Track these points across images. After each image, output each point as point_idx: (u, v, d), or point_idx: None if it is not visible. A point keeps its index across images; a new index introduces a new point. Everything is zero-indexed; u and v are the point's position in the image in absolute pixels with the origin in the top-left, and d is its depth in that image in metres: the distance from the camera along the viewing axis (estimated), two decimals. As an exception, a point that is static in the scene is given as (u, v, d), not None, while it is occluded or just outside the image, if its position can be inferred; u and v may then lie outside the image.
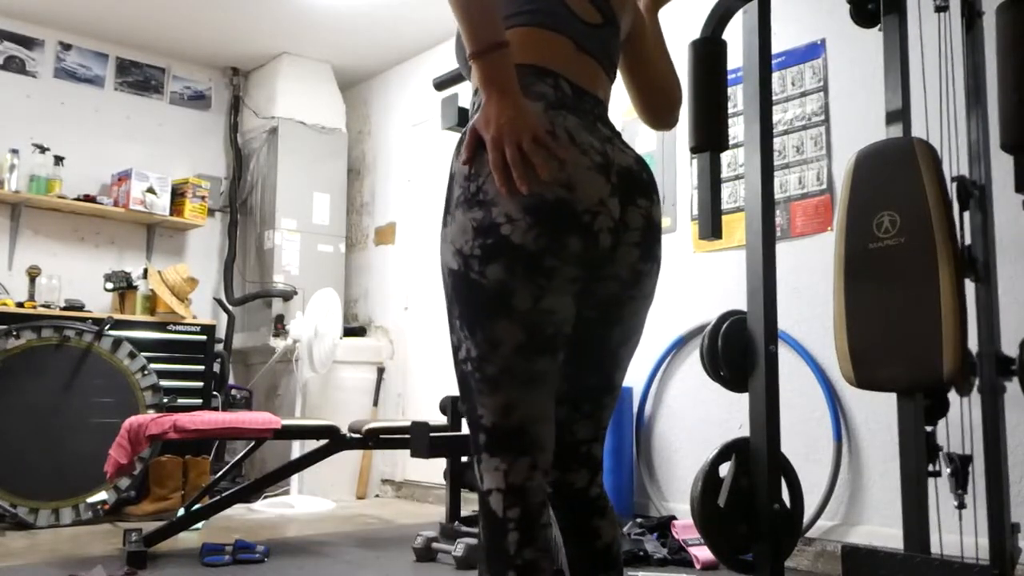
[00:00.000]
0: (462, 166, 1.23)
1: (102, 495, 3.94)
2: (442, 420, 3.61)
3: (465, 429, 3.62)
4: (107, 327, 4.13)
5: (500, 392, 1.22)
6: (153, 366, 4.22)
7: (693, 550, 3.09)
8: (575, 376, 1.38)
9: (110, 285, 4.64)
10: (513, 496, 1.21)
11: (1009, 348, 2.12)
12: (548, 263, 1.18)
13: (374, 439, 3.54)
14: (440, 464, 3.71)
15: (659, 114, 1.56)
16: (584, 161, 1.22)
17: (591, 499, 1.40)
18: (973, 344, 2.06)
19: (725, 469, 2.09)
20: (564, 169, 1.20)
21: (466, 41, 1.20)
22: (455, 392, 3.64)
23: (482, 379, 1.22)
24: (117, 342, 4.12)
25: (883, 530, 2.93)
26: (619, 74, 1.50)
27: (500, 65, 1.18)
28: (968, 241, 2.10)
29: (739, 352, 2.12)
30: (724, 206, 3.56)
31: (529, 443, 1.23)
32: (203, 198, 5.21)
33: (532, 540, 1.20)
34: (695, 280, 3.68)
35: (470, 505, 3.63)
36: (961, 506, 2.03)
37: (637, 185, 1.30)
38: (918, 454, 2.07)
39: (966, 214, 2.11)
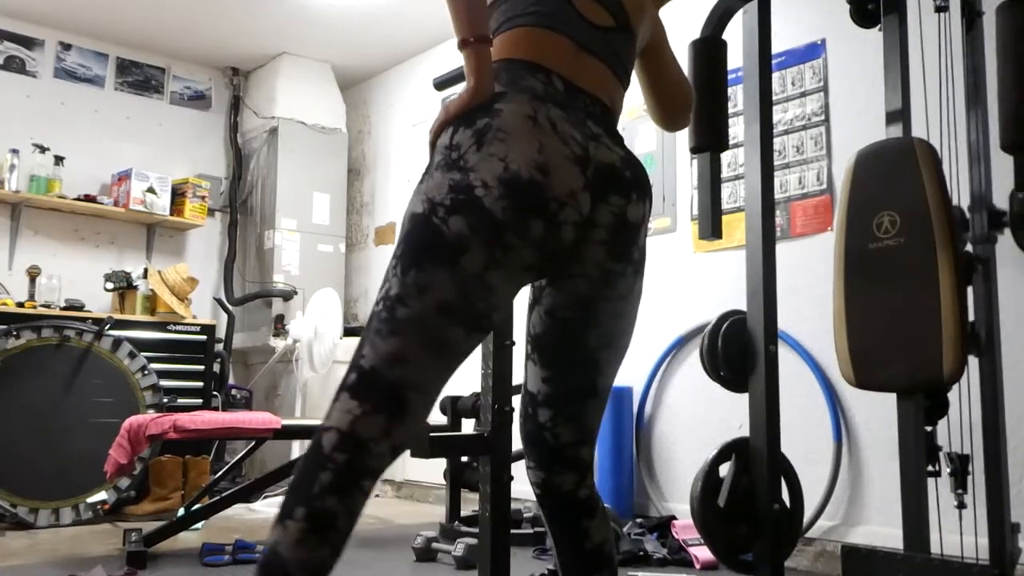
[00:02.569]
0: (444, 139, 1.25)
1: (102, 495, 3.94)
2: (442, 420, 3.61)
3: (466, 429, 3.62)
4: (107, 327, 4.13)
5: (396, 339, 1.15)
6: (153, 366, 4.22)
7: (693, 550, 3.09)
8: (556, 379, 1.38)
9: (110, 285, 4.64)
10: (349, 443, 1.12)
11: (1007, 343, 2.12)
12: (508, 239, 1.17)
13: (374, 439, 3.54)
14: (440, 464, 3.71)
15: (675, 119, 1.60)
16: (562, 150, 1.22)
17: (580, 500, 1.40)
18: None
19: (725, 469, 2.09)
20: (542, 152, 1.20)
21: (455, 31, 1.24)
22: (455, 392, 3.64)
23: (388, 319, 1.16)
24: (117, 342, 4.12)
25: (883, 530, 2.93)
26: (635, 79, 1.51)
27: (479, 56, 1.23)
28: (972, 317, 2.09)
29: (739, 352, 2.12)
30: (724, 206, 3.56)
31: (395, 405, 1.14)
32: (203, 198, 5.22)
33: (342, 492, 1.09)
34: (695, 280, 3.68)
35: (470, 505, 3.63)
36: (961, 506, 2.03)
37: (614, 183, 1.28)
38: (918, 454, 2.07)
39: (969, 288, 2.10)
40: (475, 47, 1.22)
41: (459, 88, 2.37)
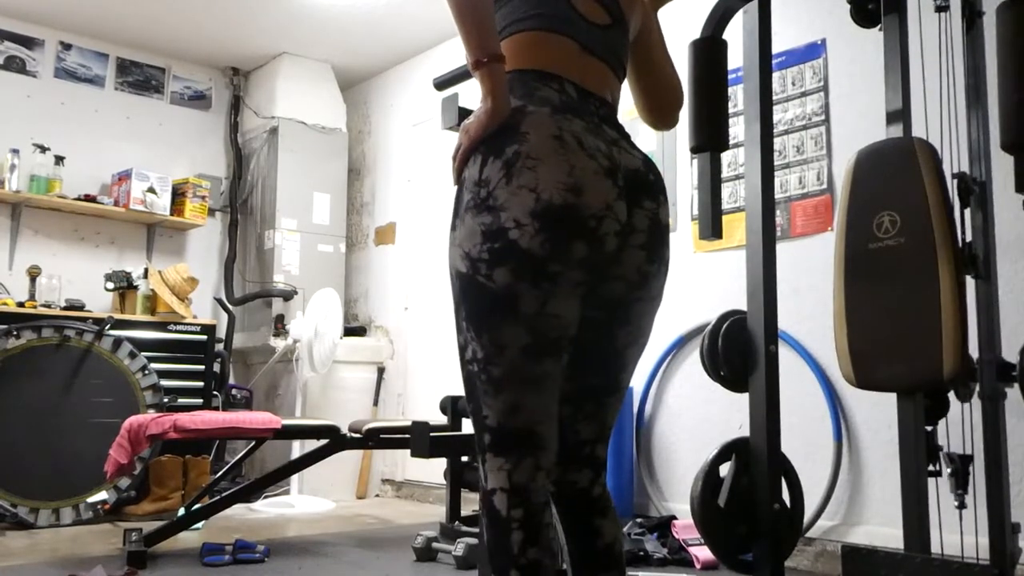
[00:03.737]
0: (472, 172, 1.26)
1: (102, 495, 3.94)
2: (442, 420, 3.61)
3: (466, 429, 3.62)
4: (107, 327, 4.13)
5: (505, 393, 1.23)
6: (153, 366, 4.22)
7: (693, 550, 3.09)
8: (580, 376, 1.39)
9: (110, 285, 4.64)
10: (517, 496, 1.23)
11: (1010, 352, 2.11)
12: (553, 268, 1.20)
13: (374, 439, 3.55)
14: (440, 464, 3.71)
15: (662, 115, 1.58)
16: (592, 165, 1.24)
17: (593, 499, 1.41)
18: (973, 348, 2.05)
19: (725, 469, 2.09)
20: (572, 174, 1.22)
21: (466, 52, 1.25)
22: (455, 392, 3.64)
23: (488, 380, 1.24)
24: (117, 342, 4.12)
25: (883, 530, 2.93)
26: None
27: (494, 76, 1.23)
28: (969, 238, 2.10)
29: (739, 352, 2.12)
30: (724, 206, 3.56)
31: (533, 444, 1.24)
32: (203, 198, 5.22)
33: (536, 539, 1.21)
34: (695, 280, 3.68)
35: (470, 505, 3.63)
36: (961, 506, 2.03)
37: (643, 187, 1.31)
38: (918, 454, 2.07)
39: (967, 212, 2.11)
40: (489, 67, 1.23)
41: (460, 87, 2.37)
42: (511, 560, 1.20)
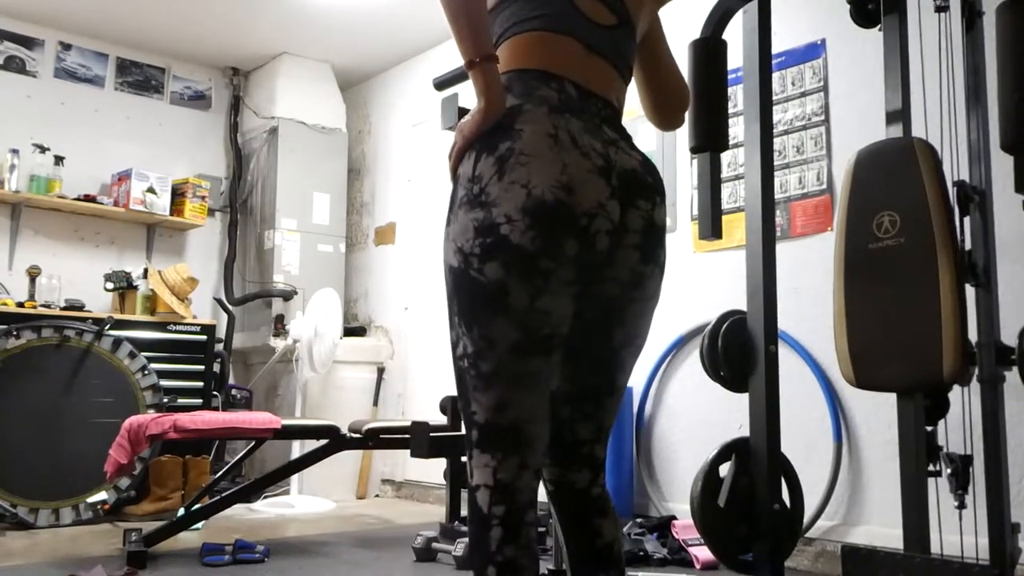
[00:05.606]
0: (466, 168, 1.26)
1: (102, 495, 3.94)
2: (442, 420, 3.61)
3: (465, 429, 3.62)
4: (107, 327, 4.13)
5: (493, 389, 1.24)
6: (153, 366, 4.22)
7: (693, 550, 3.09)
8: (577, 376, 1.39)
9: (110, 285, 4.64)
10: (500, 493, 1.23)
11: (1009, 341, 2.11)
12: (544, 265, 1.20)
13: (374, 439, 3.55)
14: (440, 464, 3.71)
15: (669, 115, 1.59)
16: (585, 164, 1.24)
17: (592, 498, 1.41)
18: (972, 337, 2.05)
19: (725, 469, 2.09)
20: (565, 172, 1.22)
21: (460, 52, 1.25)
22: (455, 392, 3.64)
23: (477, 375, 1.25)
24: (117, 342, 4.12)
25: (883, 530, 2.93)
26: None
27: (487, 75, 1.24)
28: (968, 246, 2.10)
29: (739, 352, 2.12)
30: (724, 206, 3.56)
31: (520, 442, 1.25)
32: (203, 198, 5.22)
33: (514, 538, 1.22)
34: (695, 280, 3.68)
35: (470, 505, 3.63)
36: (961, 506, 2.03)
37: (639, 187, 1.31)
38: (918, 454, 2.07)
39: (966, 219, 2.10)
40: (482, 66, 1.23)
41: (460, 87, 2.37)
42: (488, 556, 1.21)
